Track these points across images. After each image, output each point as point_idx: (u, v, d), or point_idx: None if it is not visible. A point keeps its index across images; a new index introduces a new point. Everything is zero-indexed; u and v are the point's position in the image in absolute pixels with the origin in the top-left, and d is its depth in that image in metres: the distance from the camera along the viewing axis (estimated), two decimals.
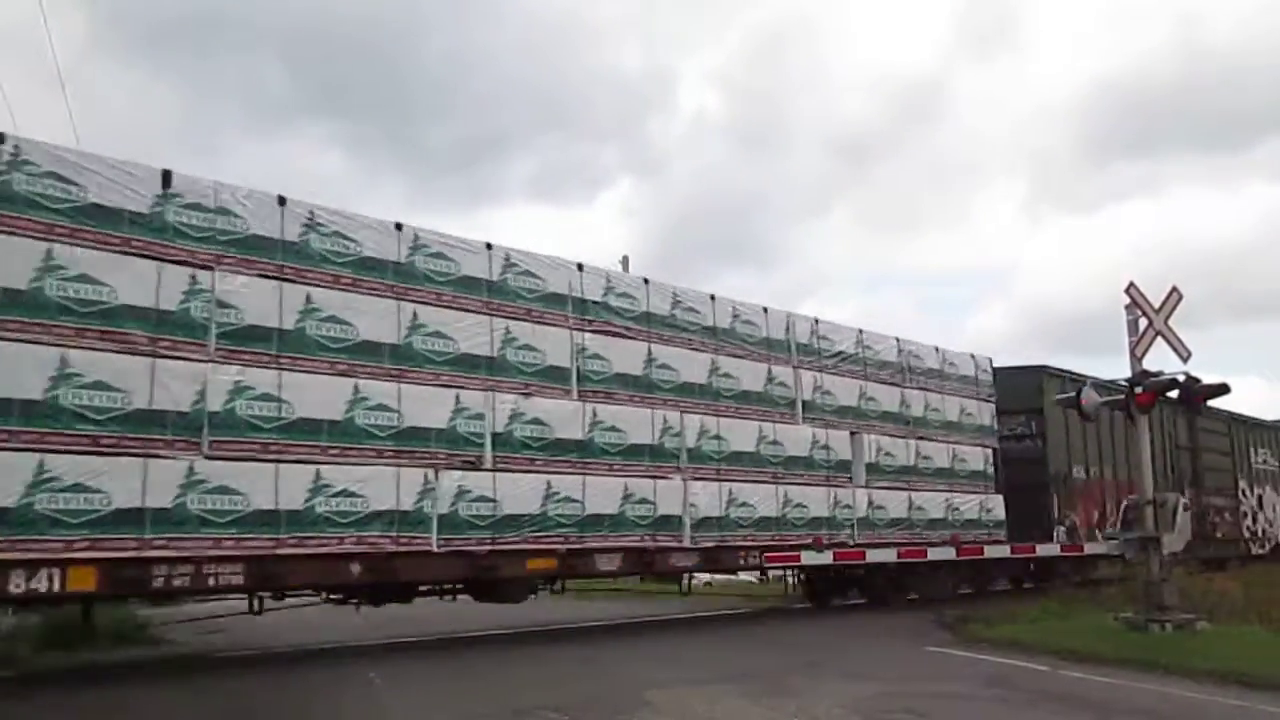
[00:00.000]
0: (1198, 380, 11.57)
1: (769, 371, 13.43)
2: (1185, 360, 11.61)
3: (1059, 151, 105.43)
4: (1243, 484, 24.60)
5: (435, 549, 9.70)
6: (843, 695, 7.25)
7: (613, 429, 11.39)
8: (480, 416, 10.26)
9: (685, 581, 13.58)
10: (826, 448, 13.96)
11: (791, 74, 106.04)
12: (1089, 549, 18.61)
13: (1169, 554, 11.25)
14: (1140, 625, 10.74)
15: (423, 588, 10.64)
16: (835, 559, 13.77)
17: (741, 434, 12.82)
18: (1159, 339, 11.61)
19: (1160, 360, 11.75)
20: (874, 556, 14.35)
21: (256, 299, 8.93)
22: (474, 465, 10.17)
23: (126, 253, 8.26)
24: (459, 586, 10.91)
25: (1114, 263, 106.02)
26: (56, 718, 7.15)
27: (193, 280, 8.57)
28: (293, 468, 8.86)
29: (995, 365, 18.56)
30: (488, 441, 10.28)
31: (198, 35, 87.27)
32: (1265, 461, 26.15)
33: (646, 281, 12.24)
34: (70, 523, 7.56)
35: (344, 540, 9.11)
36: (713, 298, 13.00)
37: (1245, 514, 24.43)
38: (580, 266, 11.57)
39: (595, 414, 11.25)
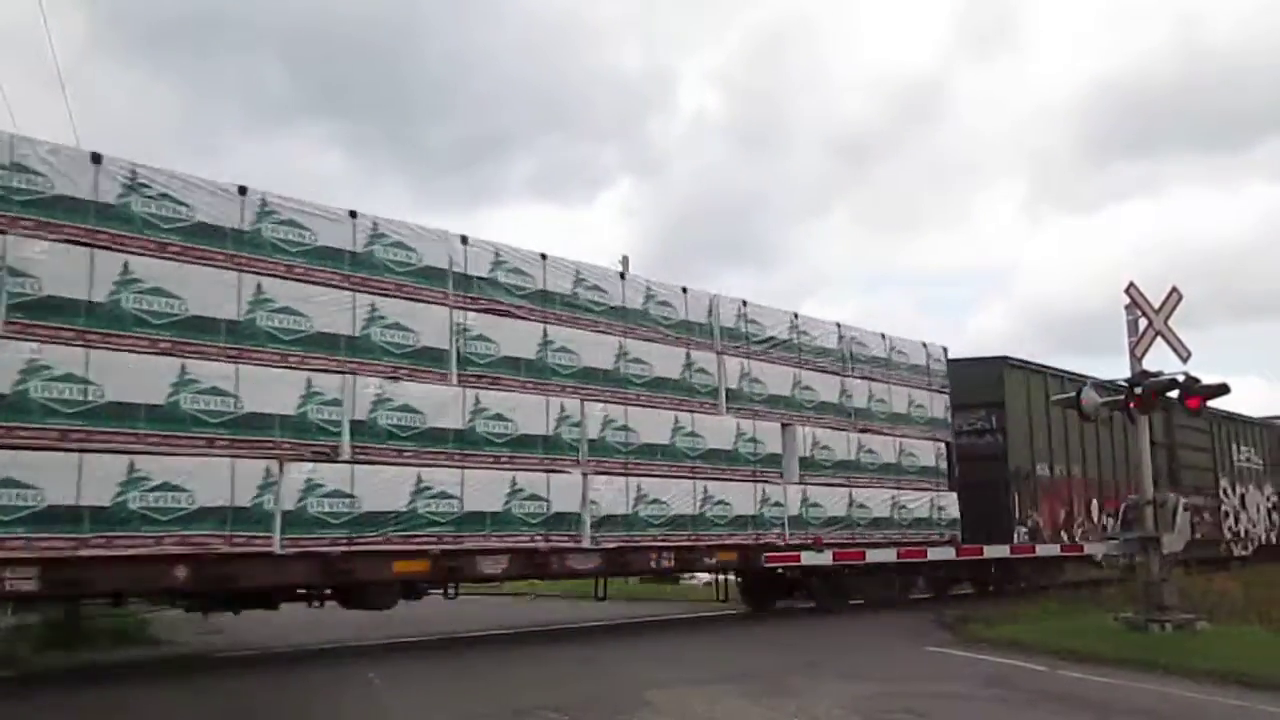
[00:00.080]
0: (1197, 380, 11.39)
1: (687, 357, 12.36)
2: (1185, 360, 11.61)
3: (1059, 151, 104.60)
4: (1224, 483, 23.46)
5: (278, 550, 8.64)
6: (842, 695, 7.22)
7: (499, 417, 10.32)
8: (337, 402, 9.20)
9: (598, 586, 12.50)
10: (754, 440, 12.88)
11: (791, 74, 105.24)
12: (1084, 549, 17.62)
13: (1167, 554, 11.22)
14: (1140, 625, 10.69)
15: (274, 594, 9.55)
16: (835, 559, 13.39)
17: (653, 424, 11.75)
18: (1159, 339, 11.67)
19: (1160, 360, 11.77)
20: (874, 556, 13.96)
21: (59, 267, 7.88)
22: (328, 456, 9.11)
23: None
24: (326, 592, 9.87)
25: (1114, 263, 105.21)
26: (57, 718, 7.07)
27: None
28: (100, 458, 7.81)
29: (954, 356, 17.55)
30: (345, 430, 9.22)
31: (198, 35, 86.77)
32: (1249, 460, 25.01)
33: (544, 257, 11.15)
34: None
35: (164, 540, 8.06)
36: (622, 276, 11.96)
37: (1227, 514, 23.29)
38: (464, 239, 10.51)
39: (478, 401, 10.19)
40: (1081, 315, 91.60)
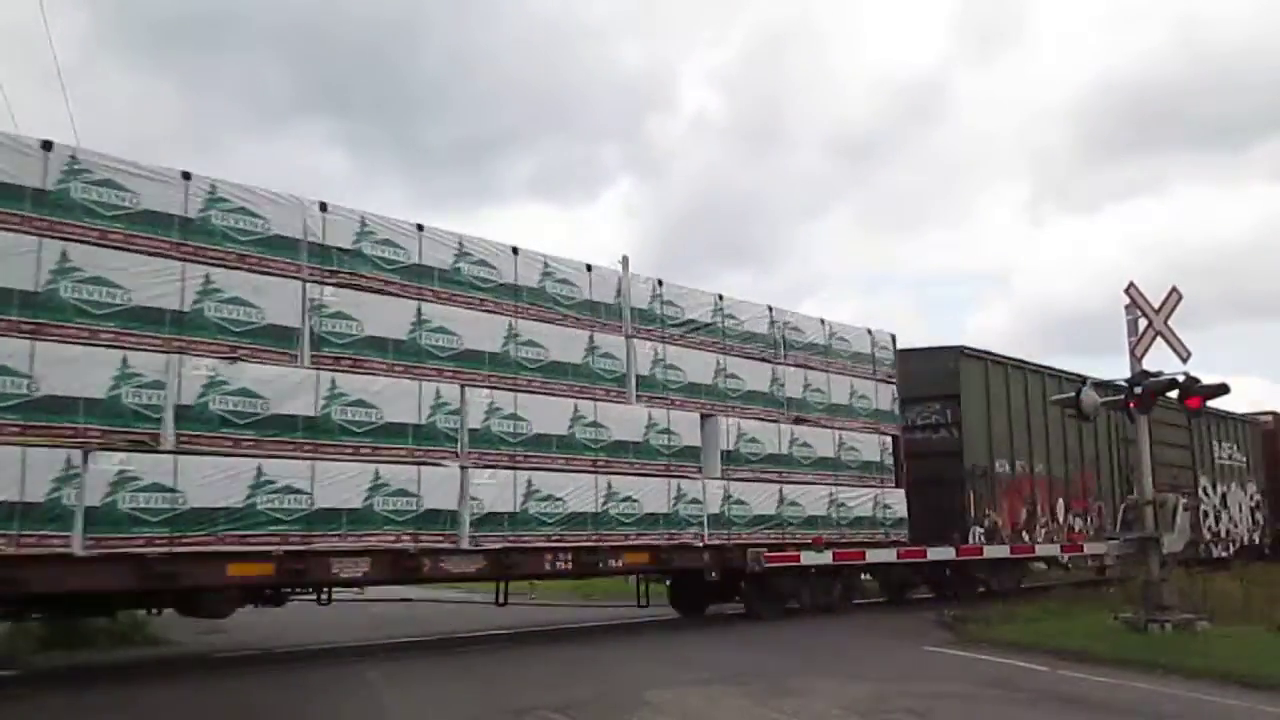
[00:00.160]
0: (1197, 380, 11.44)
1: (590, 340, 11.30)
2: (1185, 360, 11.65)
3: (1060, 151, 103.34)
4: (1204, 481, 22.34)
5: (79, 551, 7.58)
6: (843, 695, 7.22)
7: (360, 404, 9.27)
8: (159, 384, 8.15)
9: (499, 591, 11.42)
10: (668, 431, 11.82)
11: (792, 74, 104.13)
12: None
13: (1167, 554, 11.25)
14: (1140, 625, 10.70)
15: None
16: (835, 559, 13.20)
17: (548, 413, 10.70)
18: (1159, 339, 11.74)
19: (1160, 360, 11.80)
20: (875, 556, 13.76)
21: None
22: (147, 446, 8.06)
23: None
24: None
25: (1114, 263, 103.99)
26: (58, 718, 7.02)
27: None
28: None
29: (909, 347, 16.52)
30: (169, 416, 8.17)
31: (198, 35, 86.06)
32: (1230, 457, 23.89)
33: (420, 228, 10.11)
34: None
35: None
36: (515, 251, 10.86)
37: (1206, 514, 22.15)
38: (324, 206, 9.47)
39: (334, 384, 9.14)
40: (1082, 315, 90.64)
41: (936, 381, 16.37)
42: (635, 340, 11.76)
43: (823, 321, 14.32)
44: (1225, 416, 23.98)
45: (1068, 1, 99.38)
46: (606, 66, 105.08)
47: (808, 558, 12.85)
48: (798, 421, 13.48)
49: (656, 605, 13.73)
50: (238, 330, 8.69)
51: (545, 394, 10.75)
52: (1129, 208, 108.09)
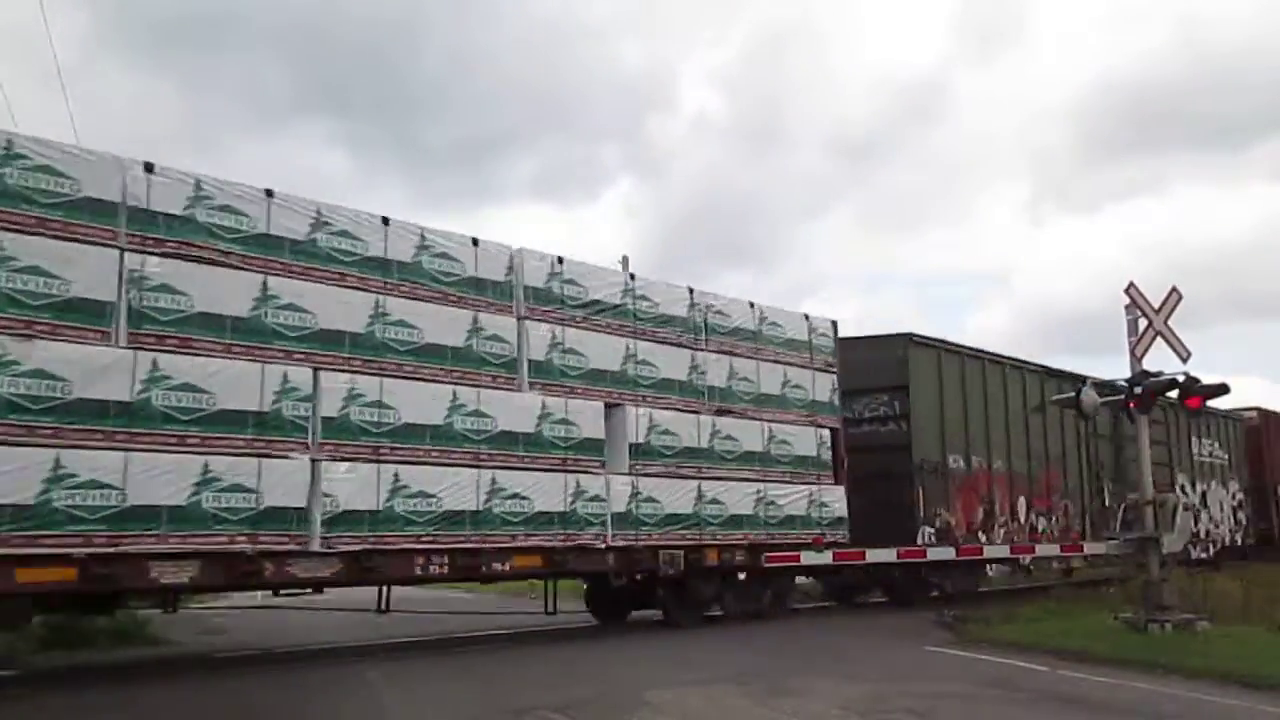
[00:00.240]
0: (1197, 380, 11.42)
1: (475, 320, 10.26)
2: (1185, 360, 11.67)
3: (1060, 151, 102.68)
4: (1182, 479, 21.21)
5: None
6: (842, 695, 7.22)
7: (187, 387, 8.24)
8: None
9: (382, 596, 10.40)
10: (565, 422, 10.77)
11: (793, 74, 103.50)
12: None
13: (1167, 553, 11.34)
14: (1140, 625, 10.73)
15: None
16: (835, 559, 13.06)
17: (421, 401, 9.66)
18: (1159, 339, 11.77)
19: (1161, 360, 11.83)
20: (874, 557, 13.58)
21: None
22: None
23: None
24: None
25: (1114, 263, 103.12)
26: (58, 718, 7.00)
27: None
28: None
29: (856, 335, 15.50)
30: None
31: (198, 35, 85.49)
32: (1211, 454, 22.80)
33: (269, 194, 9.08)
34: None
35: None
36: (386, 221, 9.85)
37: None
38: (149, 166, 8.44)
39: (155, 365, 8.11)
40: (1082, 315, 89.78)
41: (885, 371, 15.36)
42: (528, 322, 10.72)
43: (752, 305, 13.27)
44: (1206, 412, 22.84)
45: (1068, 1, 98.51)
46: (606, 66, 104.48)
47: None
48: (721, 413, 12.43)
49: (579, 612, 12.79)
50: (35, 304, 7.65)
51: (418, 379, 9.71)
52: (1129, 208, 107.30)
